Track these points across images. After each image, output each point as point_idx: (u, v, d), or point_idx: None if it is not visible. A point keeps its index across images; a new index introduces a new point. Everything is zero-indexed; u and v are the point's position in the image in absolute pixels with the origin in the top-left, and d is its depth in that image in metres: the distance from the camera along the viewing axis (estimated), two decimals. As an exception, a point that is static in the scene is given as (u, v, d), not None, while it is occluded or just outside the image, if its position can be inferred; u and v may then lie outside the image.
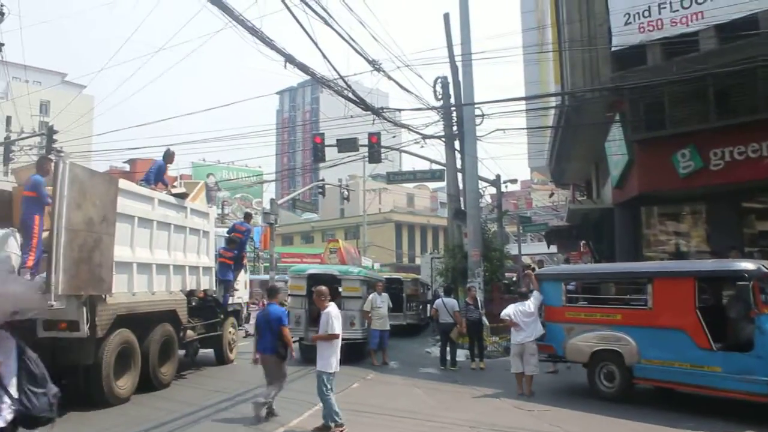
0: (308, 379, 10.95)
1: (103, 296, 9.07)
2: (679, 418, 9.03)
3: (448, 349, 14.73)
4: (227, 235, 14.75)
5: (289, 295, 16.43)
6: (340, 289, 15.58)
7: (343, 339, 8.68)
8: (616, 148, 15.93)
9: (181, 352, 12.50)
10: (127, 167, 58.68)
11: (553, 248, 33.74)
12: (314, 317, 12.43)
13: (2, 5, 21.16)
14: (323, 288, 8.57)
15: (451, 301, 15.03)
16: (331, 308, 8.36)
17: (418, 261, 54.43)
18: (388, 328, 15.29)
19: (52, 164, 8.99)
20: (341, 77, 15.49)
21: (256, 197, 77.07)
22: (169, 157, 12.81)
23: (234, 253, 14.35)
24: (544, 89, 23.12)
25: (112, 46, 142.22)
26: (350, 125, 19.12)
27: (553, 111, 19.19)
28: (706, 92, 13.62)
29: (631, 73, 14.68)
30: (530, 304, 11.22)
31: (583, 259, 30.95)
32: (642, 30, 14.31)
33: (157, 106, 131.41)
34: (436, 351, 17.79)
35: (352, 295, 15.37)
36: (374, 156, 21.10)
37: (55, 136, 25.29)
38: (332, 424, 8.08)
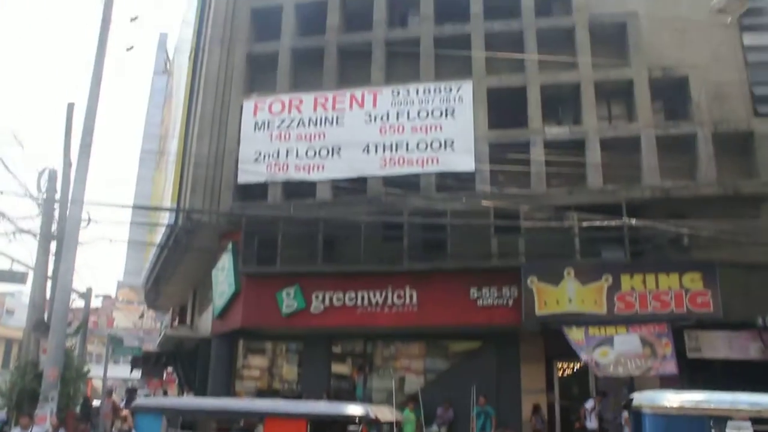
0: None
1: None
2: None
3: None
4: None
5: None
6: None
7: None
8: (224, 278, 15.64)
9: None
10: None
11: (137, 373, 31.06)
12: None
13: None
14: None
15: None
16: None
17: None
18: None
19: None
20: None
21: None
22: None
23: None
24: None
25: None
26: None
27: (164, 229, 18.13)
28: (316, 237, 14.46)
29: (252, 205, 14.91)
30: None
31: (163, 387, 29.13)
32: (269, 169, 14.88)
33: None
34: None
35: None
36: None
37: None
38: None
